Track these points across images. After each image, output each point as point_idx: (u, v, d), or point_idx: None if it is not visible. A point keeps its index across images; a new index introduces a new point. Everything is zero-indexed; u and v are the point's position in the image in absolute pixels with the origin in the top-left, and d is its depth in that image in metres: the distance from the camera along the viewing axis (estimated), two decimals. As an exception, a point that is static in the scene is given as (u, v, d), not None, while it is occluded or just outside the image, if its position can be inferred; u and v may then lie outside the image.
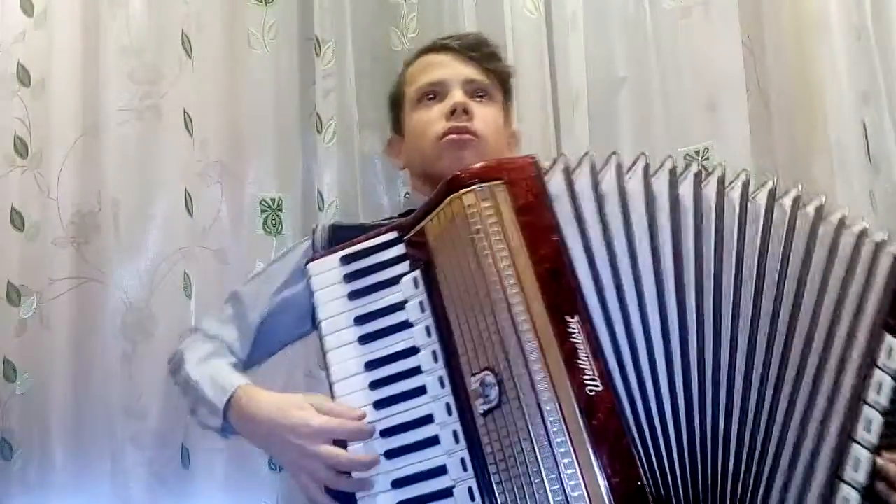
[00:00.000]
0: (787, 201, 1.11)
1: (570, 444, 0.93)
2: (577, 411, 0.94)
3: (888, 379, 1.04)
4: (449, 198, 1.07)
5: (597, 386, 0.95)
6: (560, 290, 0.99)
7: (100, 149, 1.83)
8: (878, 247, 1.12)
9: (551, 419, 0.94)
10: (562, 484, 0.92)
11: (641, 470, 0.92)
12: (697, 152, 1.79)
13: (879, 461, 1.01)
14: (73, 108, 1.86)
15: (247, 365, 1.29)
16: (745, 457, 0.98)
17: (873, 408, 1.03)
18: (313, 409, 1.07)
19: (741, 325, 1.02)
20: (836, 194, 1.71)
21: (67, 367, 1.79)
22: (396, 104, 1.44)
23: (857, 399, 1.02)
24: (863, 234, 1.12)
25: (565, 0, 1.85)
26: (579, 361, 0.96)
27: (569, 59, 1.84)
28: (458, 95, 1.33)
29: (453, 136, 1.30)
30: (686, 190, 1.07)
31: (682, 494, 0.94)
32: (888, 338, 1.06)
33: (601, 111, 1.83)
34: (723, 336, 1.01)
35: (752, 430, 0.98)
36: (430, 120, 1.33)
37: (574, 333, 0.97)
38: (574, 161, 1.09)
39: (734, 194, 1.09)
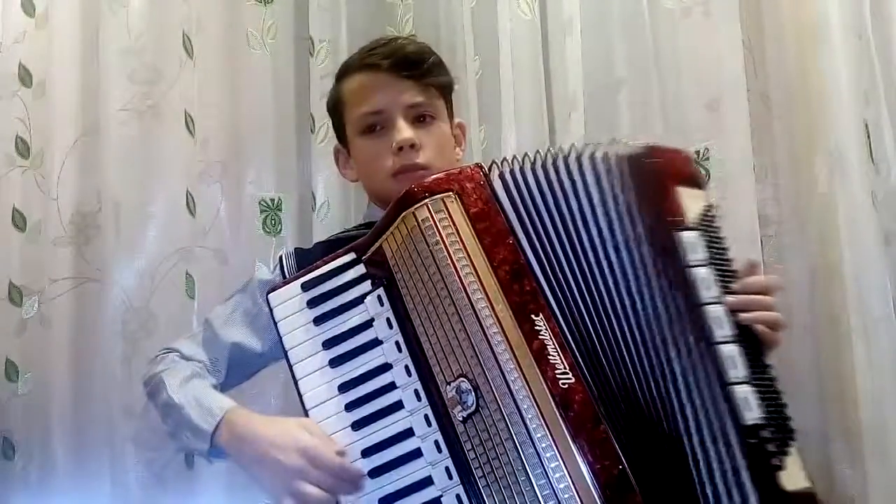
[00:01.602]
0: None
1: (550, 437, 0.95)
2: (554, 405, 0.96)
3: (705, 270, 1.05)
4: (402, 214, 1.08)
5: (569, 378, 0.97)
6: (522, 291, 1.02)
7: (100, 149, 1.83)
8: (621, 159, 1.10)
9: (529, 416, 0.97)
10: (547, 478, 0.95)
11: (621, 453, 0.95)
12: (698, 153, 1.79)
13: (730, 299, 1.04)
14: (74, 108, 1.87)
15: (223, 388, 1.28)
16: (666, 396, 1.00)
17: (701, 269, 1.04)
18: (304, 430, 1.07)
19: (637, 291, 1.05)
20: (836, 194, 1.70)
21: (68, 367, 1.80)
22: (337, 117, 1.39)
23: (696, 302, 1.03)
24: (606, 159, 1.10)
25: (562, 1, 1.85)
26: (550, 357, 0.98)
27: (565, 61, 1.83)
28: (403, 129, 1.29)
29: (403, 174, 1.27)
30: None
31: (657, 469, 0.97)
32: (682, 235, 1.06)
33: (600, 112, 1.82)
34: (644, 302, 1.04)
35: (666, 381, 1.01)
36: (378, 154, 1.30)
37: (541, 330, 1.00)
38: (509, 163, 1.11)
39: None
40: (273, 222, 1.90)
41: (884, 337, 1.69)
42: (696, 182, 1.13)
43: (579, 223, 1.07)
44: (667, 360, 1.01)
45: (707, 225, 1.09)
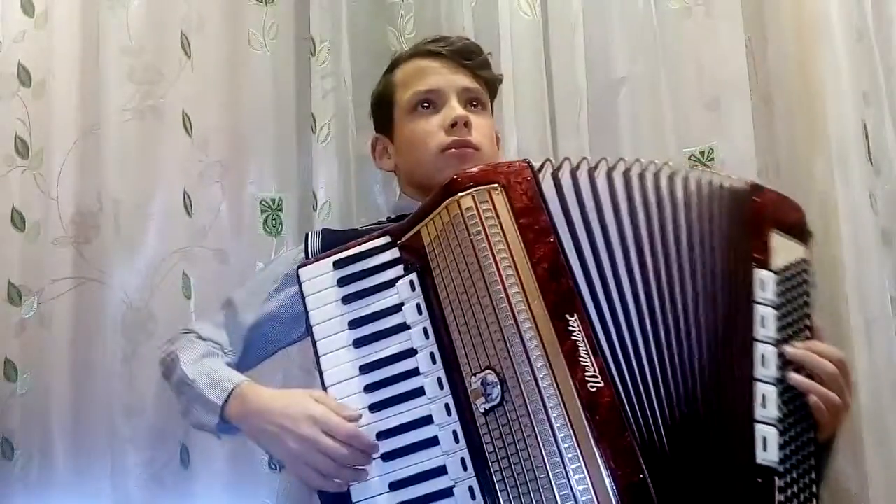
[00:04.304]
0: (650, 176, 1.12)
1: (574, 438, 0.95)
2: (581, 407, 0.96)
3: (769, 311, 1.05)
4: (446, 201, 1.08)
5: (598, 382, 0.97)
6: (559, 290, 1.01)
7: (100, 149, 1.83)
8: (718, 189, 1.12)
9: (555, 415, 0.96)
10: (567, 478, 0.94)
11: (643, 462, 0.94)
12: (703, 153, 1.79)
13: (790, 349, 1.03)
14: (74, 108, 1.86)
15: (238, 368, 1.29)
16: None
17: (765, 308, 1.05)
18: (313, 400, 1.08)
19: (683, 300, 1.05)
20: (836, 194, 1.71)
21: (68, 367, 1.80)
22: (384, 105, 1.43)
23: (749, 341, 1.03)
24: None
25: (564, 0, 1.85)
26: (581, 358, 0.98)
27: (567, 60, 1.83)
28: (457, 107, 1.34)
29: (455, 150, 1.31)
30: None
31: (676, 480, 0.96)
32: (757, 272, 1.06)
33: (602, 112, 1.82)
34: (681, 315, 1.04)
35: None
36: (429, 131, 1.33)
37: (574, 332, 0.99)
38: (560, 163, 1.11)
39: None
40: (274, 222, 1.89)
41: (884, 336, 1.69)
42: (796, 233, 1.12)
43: (641, 235, 1.07)
44: (700, 381, 1.01)
45: (793, 276, 1.08)
